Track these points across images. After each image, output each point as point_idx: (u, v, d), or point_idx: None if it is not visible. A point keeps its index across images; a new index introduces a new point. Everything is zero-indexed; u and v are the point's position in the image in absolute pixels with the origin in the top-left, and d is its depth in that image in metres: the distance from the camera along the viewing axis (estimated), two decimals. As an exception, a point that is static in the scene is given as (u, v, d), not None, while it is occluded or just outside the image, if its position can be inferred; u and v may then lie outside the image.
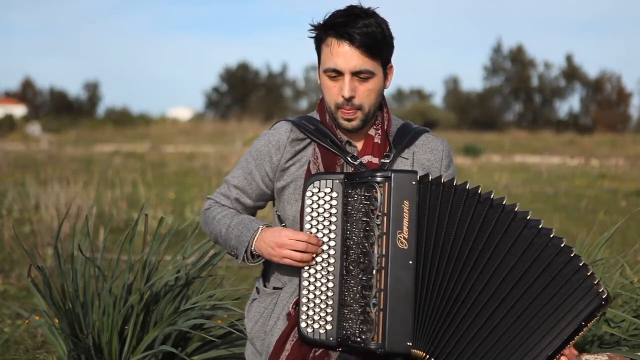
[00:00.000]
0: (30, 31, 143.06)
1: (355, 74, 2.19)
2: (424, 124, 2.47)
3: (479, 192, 2.14)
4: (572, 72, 57.92)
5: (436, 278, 2.12)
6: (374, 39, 2.17)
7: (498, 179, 14.11)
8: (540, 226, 2.13)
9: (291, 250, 2.16)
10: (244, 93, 61.72)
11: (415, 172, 2.14)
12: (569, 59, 58.87)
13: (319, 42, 2.25)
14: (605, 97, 55.39)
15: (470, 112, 57.24)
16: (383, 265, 2.09)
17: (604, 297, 2.13)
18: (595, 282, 2.13)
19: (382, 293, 2.09)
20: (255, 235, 2.25)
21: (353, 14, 2.20)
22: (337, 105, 2.24)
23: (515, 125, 52.43)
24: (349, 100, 2.21)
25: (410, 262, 2.09)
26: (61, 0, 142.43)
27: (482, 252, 2.13)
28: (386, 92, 2.38)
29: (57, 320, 3.08)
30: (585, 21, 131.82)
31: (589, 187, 13.48)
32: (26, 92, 64.11)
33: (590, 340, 3.26)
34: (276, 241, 2.19)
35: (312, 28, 2.24)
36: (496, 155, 23.34)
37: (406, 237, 2.10)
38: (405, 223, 2.10)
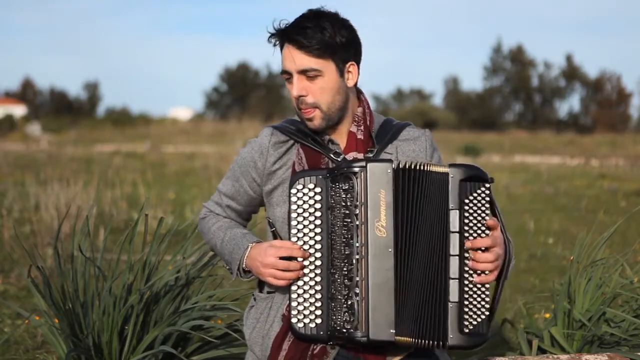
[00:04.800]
0: (31, 31, 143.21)
1: (302, 72, 2.24)
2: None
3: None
4: (572, 72, 57.93)
5: (415, 263, 2.15)
6: (317, 39, 2.21)
7: (498, 179, 14.11)
8: None
9: (275, 269, 2.19)
10: (244, 93, 61.74)
11: (391, 161, 2.16)
12: (569, 59, 58.91)
13: (280, 49, 2.31)
14: (605, 97, 55.39)
15: (470, 112, 57.26)
16: (363, 254, 2.12)
17: (449, 171, 2.17)
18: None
19: (363, 282, 2.12)
20: (245, 254, 2.30)
21: (301, 17, 2.26)
22: (297, 106, 2.29)
23: (515, 125, 52.46)
24: (301, 99, 2.26)
25: (390, 250, 2.12)
26: (61, 0, 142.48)
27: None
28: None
29: (57, 320, 3.08)
30: (585, 21, 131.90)
31: (589, 187, 13.49)
32: (26, 92, 64.15)
33: (590, 341, 3.27)
34: (261, 260, 2.23)
35: (269, 36, 2.29)
36: (496, 156, 23.34)
37: (384, 225, 2.13)
38: (383, 211, 2.13)
